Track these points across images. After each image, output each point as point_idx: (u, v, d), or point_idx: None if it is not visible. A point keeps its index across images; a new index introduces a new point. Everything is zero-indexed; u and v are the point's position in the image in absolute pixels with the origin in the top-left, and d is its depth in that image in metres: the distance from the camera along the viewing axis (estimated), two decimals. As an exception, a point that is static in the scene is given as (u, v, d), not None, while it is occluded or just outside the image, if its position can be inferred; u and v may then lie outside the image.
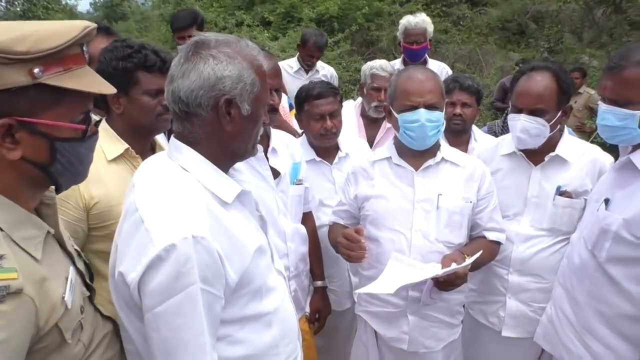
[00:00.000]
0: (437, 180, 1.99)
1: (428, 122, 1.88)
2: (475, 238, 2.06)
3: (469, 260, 1.82)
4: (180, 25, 3.76)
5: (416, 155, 1.99)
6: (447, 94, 2.77)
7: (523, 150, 2.16)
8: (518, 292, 2.17)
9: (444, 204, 1.96)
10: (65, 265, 1.18)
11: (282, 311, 1.31)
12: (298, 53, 4.48)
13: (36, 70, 0.99)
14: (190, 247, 1.08)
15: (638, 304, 1.70)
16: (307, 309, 2.31)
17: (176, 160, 1.24)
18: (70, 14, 19.96)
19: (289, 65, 4.40)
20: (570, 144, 2.14)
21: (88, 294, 1.26)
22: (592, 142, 2.45)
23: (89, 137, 1.13)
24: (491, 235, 2.05)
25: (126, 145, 1.75)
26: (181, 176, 1.21)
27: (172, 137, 1.27)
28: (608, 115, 1.70)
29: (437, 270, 1.81)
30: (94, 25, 1.12)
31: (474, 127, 2.91)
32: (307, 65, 4.41)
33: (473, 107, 2.78)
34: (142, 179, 1.25)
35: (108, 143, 1.73)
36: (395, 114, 1.95)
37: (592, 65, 8.66)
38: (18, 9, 16.23)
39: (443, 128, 1.97)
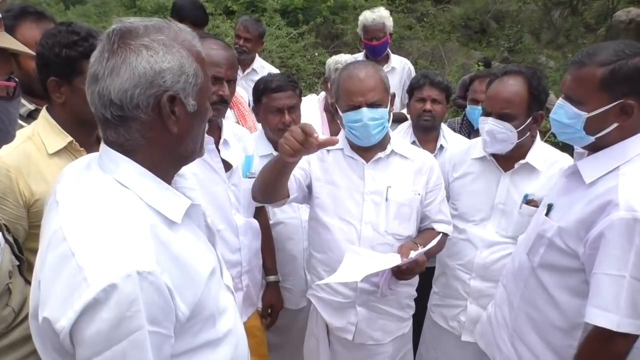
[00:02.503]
0: (386, 172, 2.00)
1: (371, 120, 1.89)
2: (424, 230, 2.09)
3: (428, 246, 1.85)
4: (198, 22, 3.34)
5: (367, 149, 2.00)
6: (416, 90, 2.79)
7: (494, 156, 2.14)
8: (479, 297, 2.17)
9: (392, 197, 1.97)
10: None
11: (234, 333, 1.19)
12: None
13: None
14: (135, 285, 0.90)
15: (566, 315, 1.65)
16: (260, 304, 2.29)
17: (110, 173, 1.03)
18: (24, -6, 19.05)
19: None
20: (541, 152, 2.12)
21: (17, 263, 1.27)
22: (545, 141, 2.49)
23: (16, 96, 1.16)
24: (440, 227, 2.09)
25: (69, 138, 1.64)
26: (119, 194, 1.01)
27: (102, 145, 1.08)
28: (560, 110, 1.64)
29: (398, 259, 1.83)
30: None
31: (443, 125, 2.90)
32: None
33: (443, 104, 2.76)
34: (69, 198, 1.03)
35: (50, 135, 1.63)
36: (340, 113, 1.96)
37: (549, 66, 8.92)
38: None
39: (389, 123, 1.97)
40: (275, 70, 4.16)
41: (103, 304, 0.88)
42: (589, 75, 1.54)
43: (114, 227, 0.95)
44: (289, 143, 1.56)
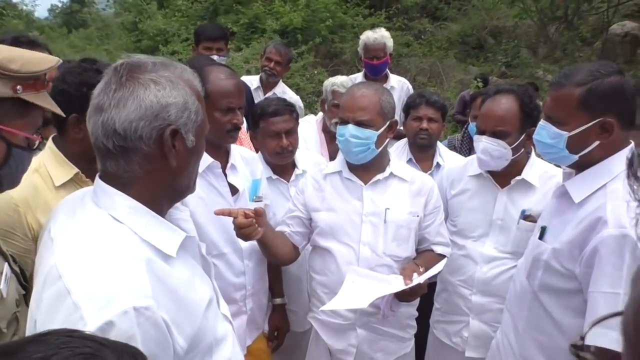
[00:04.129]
0: (385, 194, 2.03)
1: (353, 138, 1.93)
2: (422, 251, 2.11)
3: (433, 272, 1.86)
4: (211, 36, 3.58)
5: (365, 170, 2.03)
6: (412, 109, 2.83)
7: (491, 173, 2.18)
8: (481, 313, 2.19)
9: (391, 218, 1.99)
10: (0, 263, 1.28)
11: None
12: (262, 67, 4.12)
13: (18, 87, 1.18)
14: (132, 322, 0.90)
15: (572, 337, 1.57)
16: (266, 327, 2.29)
17: (105, 209, 1.04)
18: (27, 20, 19.24)
19: (250, 82, 4.09)
20: (537, 168, 2.15)
21: (24, 292, 1.34)
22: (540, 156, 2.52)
23: (35, 149, 1.29)
24: (438, 249, 2.11)
25: (75, 170, 1.64)
26: (114, 230, 1.01)
27: (97, 180, 1.09)
28: (542, 131, 1.68)
29: (402, 282, 1.83)
30: (60, 60, 1.33)
31: (439, 143, 2.94)
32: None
33: (439, 122, 2.81)
34: (64, 235, 1.03)
35: (56, 167, 1.63)
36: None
37: (546, 79, 8.98)
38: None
39: (376, 146, 1.96)
40: (296, 97, 4.15)
41: None
42: (568, 95, 1.58)
43: (109, 264, 0.95)
44: (240, 237, 1.86)
